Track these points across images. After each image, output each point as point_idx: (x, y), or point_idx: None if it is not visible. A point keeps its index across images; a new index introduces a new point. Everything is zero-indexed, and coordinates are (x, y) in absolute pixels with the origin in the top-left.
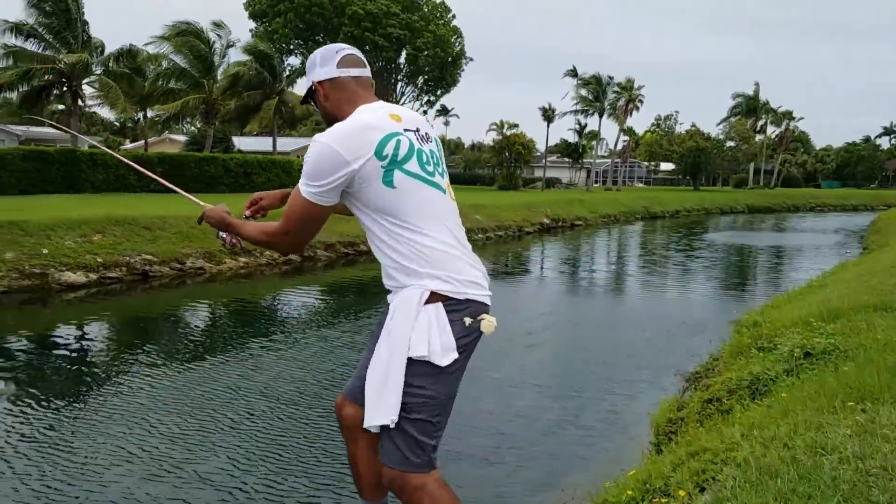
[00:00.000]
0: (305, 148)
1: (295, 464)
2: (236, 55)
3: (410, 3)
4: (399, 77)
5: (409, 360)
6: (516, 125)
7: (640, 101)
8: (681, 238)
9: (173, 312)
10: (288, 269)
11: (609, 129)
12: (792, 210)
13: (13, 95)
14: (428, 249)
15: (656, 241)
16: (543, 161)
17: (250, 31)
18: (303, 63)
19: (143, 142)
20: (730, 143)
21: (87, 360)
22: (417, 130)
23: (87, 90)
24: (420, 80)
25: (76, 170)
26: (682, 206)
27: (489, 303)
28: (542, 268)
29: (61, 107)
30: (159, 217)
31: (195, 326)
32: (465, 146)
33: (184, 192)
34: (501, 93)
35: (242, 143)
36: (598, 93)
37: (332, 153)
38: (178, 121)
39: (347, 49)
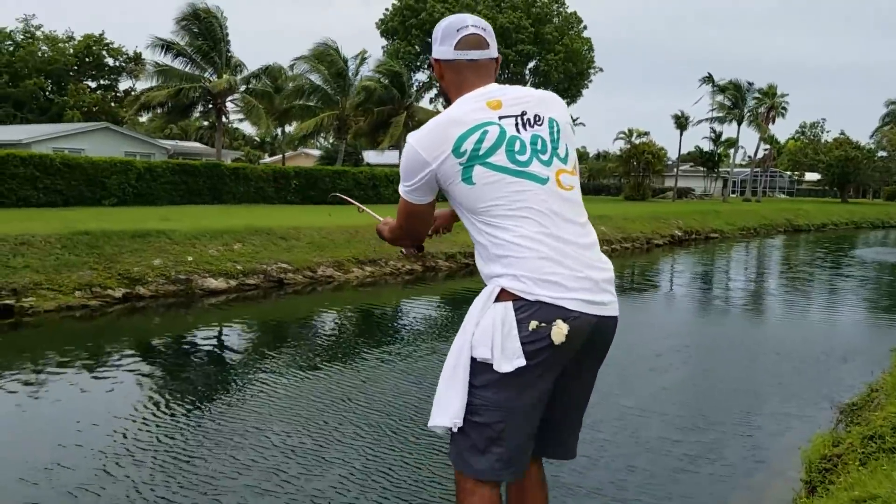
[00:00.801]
0: None
1: (407, 485)
2: (367, 72)
3: (543, 15)
4: None
5: (473, 360)
6: (646, 133)
7: (784, 109)
8: (828, 254)
9: (302, 319)
10: (410, 278)
11: (748, 138)
12: None
13: (161, 111)
14: (507, 244)
15: (800, 256)
16: (675, 170)
17: (382, 48)
18: (429, 78)
19: (280, 156)
20: (882, 153)
21: (218, 365)
22: (522, 115)
23: (229, 107)
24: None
25: (220, 182)
26: (829, 220)
27: (577, 309)
28: (671, 284)
29: (206, 123)
30: (294, 227)
31: (320, 334)
32: (591, 155)
33: (365, 208)
34: (631, 100)
35: (370, 156)
36: (736, 99)
37: (413, 153)
38: (313, 136)
39: (472, 26)
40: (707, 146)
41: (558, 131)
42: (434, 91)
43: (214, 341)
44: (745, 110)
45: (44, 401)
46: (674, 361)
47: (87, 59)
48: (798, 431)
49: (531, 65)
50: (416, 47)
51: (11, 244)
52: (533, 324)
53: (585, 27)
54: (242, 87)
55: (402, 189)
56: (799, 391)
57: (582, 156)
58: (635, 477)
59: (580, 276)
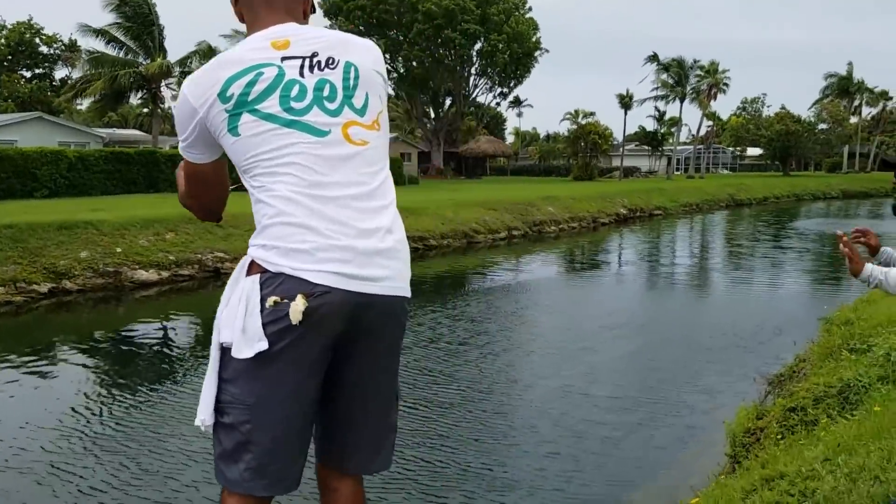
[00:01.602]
0: None
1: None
2: None
3: None
4: (471, 70)
5: (222, 346)
6: (592, 114)
7: (726, 85)
8: (768, 227)
9: None
10: None
11: (691, 115)
12: (890, 195)
13: (92, 99)
14: (264, 206)
15: (741, 231)
16: (621, 150)
17: (325, 28)
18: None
19: None
20: (822, 126)
21: (150, 358)
22: (312, 57)
23: (167, 92)
24: (493, 72)
25: (156, 170)
26: (771, 193)
27: (325, 282)
28: (615, 261)
29: (146, 109)
30: (232, 215)
31: None
32: (540, 137)
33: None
34: (577, 81)
35: None
36: (679, 77)
37: (182, 100)
38: None
39: None
40: (651, 125)
41: (356, 77)
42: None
43: (147, 335)
44: (688, 88)
45: None
46: (607, 340)
47: (20, 49)
48: (729, 406)
49: (477, 46)
50: (360, 27)
51: None
52: (271, 300)
53: (531, 8)
54: (178, 70)
55: (179, 146)
56: (732, 365)
57: (533, 137)
58: (557, 464)
59: (338, 245)
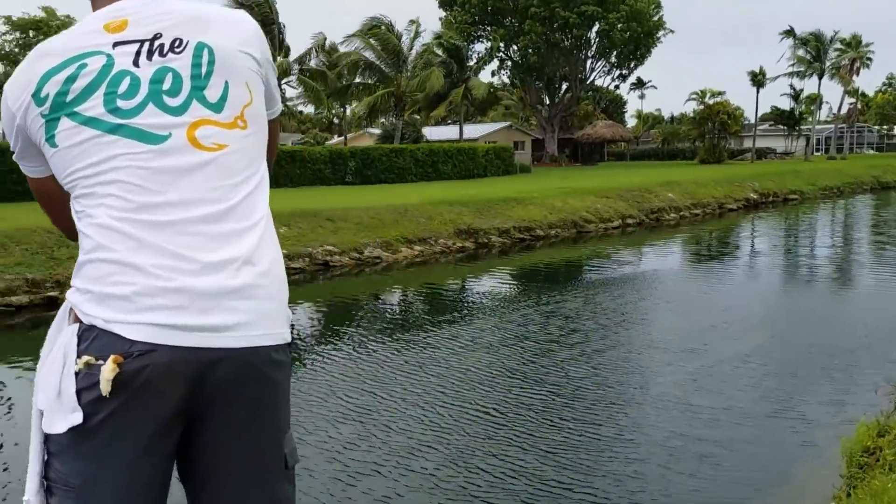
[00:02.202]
0: (492, 134)
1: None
2: (423, 44)
3: None
4: (589, 53)
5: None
6: (721, 93)
7: (869, 59)
8: None
9: (353, 300)
10: (461, 256)
11: (831, 92)
12: None
13: None
14: (83, 239)
15: (887, 216)
16: (753, 131)
17: (440, 19)
18: (489, 49)
19: (343, 137)
20: None
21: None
22: (154, 39)
23: (288, 90)
24: (612, 54)
25: (276, 166)
26: None
27: (147, 339)
28: (739, 251)
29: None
30: (342, 209)
31: (373, 314)
32: (664, 119)
33: None
34: (704, 60)
35: (433, 132)
36: (818, 51)
37: (3, 104)
38: (375, 115)
39: None
40: (786, 104)
41: (211, 62)
42: (496, 62)
43: None
44: (827, 63)
45: None
46: (717, 341)
47: None
48: (852, 416)
49: (596, 28)
50: (475, 16)
51: (57, 235)
52: (82, 361)
53: None
54: (296, 69)
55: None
56: (862, 373)
57: (656, 119)
58: (644, 485)
59: (169, 287)
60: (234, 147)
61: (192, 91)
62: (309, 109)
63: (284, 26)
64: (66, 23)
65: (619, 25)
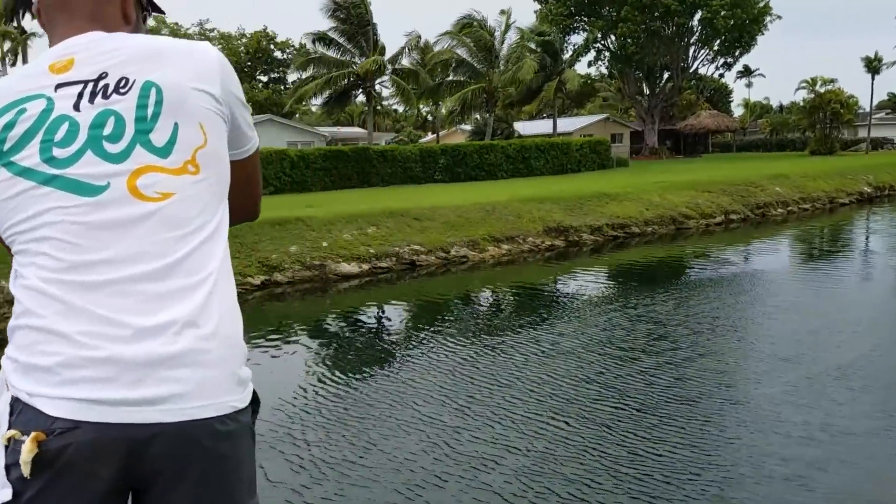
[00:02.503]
0: (588, 127)
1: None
2: (514, 39)
3: None
4: (692, 41)
5: None
6: (833, 80)
7: None
8: None
9: (434, 301)
10: (551, 255)
11: None
12: None
13: (319, 101)
14: (16, 302)
15: None
16: (868, 120)
17: (534, 12)
18: (586, 41)
19: (435, 134)
20: None
21: (360, 341)
22: (99, 80)
23: (384, 89)
24: (716, 42)
25: (368, 165)
26: None
27: (68, 415)
28: (851, 249)
29: (367, 107)
30: (430, 208)
31: (452, 315)
32: (773, 108)
33: None
34: (815, 46)
35: (525, 127)
36: None
37: None
38: (467, 111)
39: None
40: None
41: (159, 103)
42: (592, 53)
43: (351, 322)
44: None
45: None
46: (825, 345)
47: (257, 56)
48: None
49: (698, 16)
50: (571, 7)
51: None
52: (6, 435)
53: None
54: (390, 68)
55: None
56: None
57: (764, 108)
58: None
59: (95, 358)
60: (183, 195)
61: (135, 135)
62: (403, 108)
63: (377, 25)
64: (175, 30)
65: (722, 13)
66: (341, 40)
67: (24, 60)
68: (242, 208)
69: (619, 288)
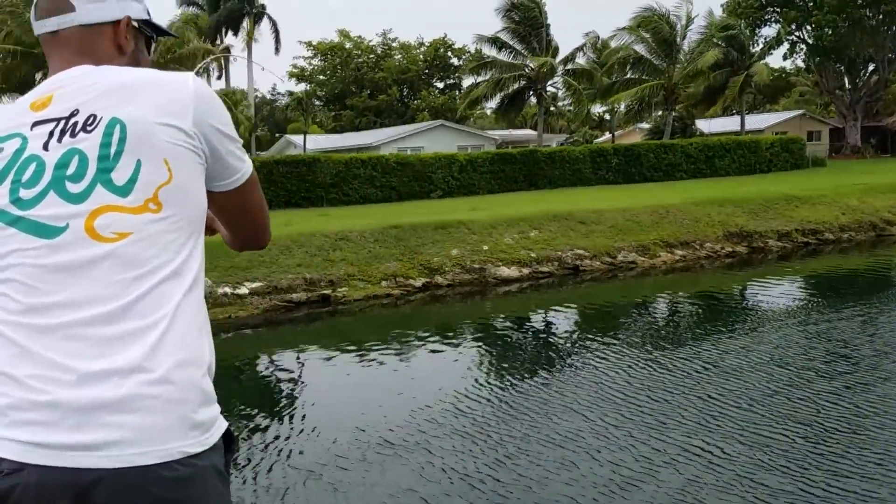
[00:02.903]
0: (781, 124)
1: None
2: (697, 33)
3: None
4: None
5: None
6: None
7: None
8: None
9: (591, 308)
10: (731, 261)
11: None
12: None
13: (492, 104)
14: None
15: None
16: None
17: (721, 6)
18: (778, 33)
19: (610, 134)
20: None
21: (521, 346)
22: (70, 117)
23: (557, 90)
24: None
25: (536, 168)
26: None
27: (11, 456)
28: None
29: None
30: (595, 211)
31: (608, 324)
32: None
33: None
34: None
35: (710, 125)
36: None
37: None
38: (645, 110)
39: None
40: None
41: (122, 140)
42: (786, 46)
43: (511, 327)
44: None
45: (368, 376)
46: None
47: (435, 63)
48: None
49: None
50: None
51: (332, 240)
52: None
53: None
54: (561, 69)
55: None
56: None
57: None
58: None
59: (39, 402)
60: (141, 234)
61: (96, 174)
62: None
63: (551, 26)
64: (358, 43)
65: None
66: (513, 42)
67: (227, 78)
68: (243, 237)
69: (803, 300)
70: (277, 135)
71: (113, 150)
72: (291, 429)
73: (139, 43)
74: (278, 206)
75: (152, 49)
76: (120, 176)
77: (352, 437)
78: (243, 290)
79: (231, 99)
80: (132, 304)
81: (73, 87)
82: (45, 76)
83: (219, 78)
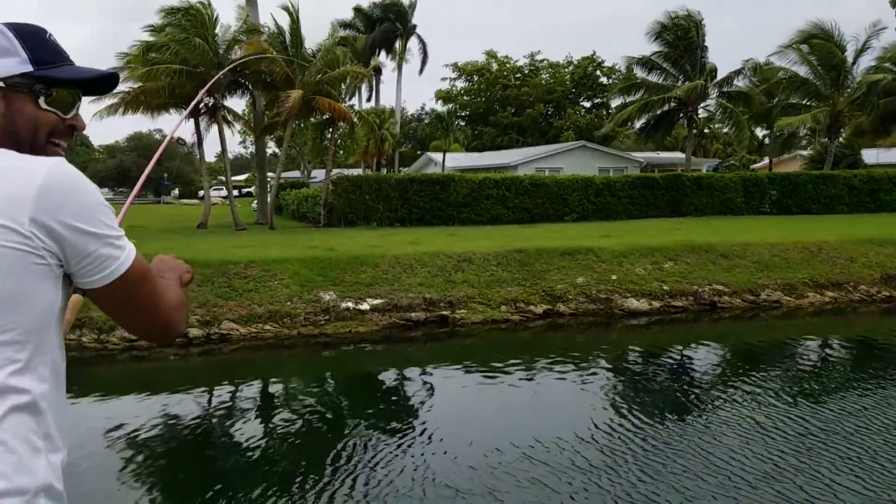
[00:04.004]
0: None
1: None
2: (870, 60)
3: None
4: None
5: None
6: None
7: None
8: None
9: (737, 347)
10: (889, 307)
11: None
12: None
13: (638, 125)
14: None
15: None
16: None
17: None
18: None
19: (768, 160)
20: None
21: (633, 390)
22: None
23: (711, 112)
24: None
25: (680, 194)
26: None
27: None
28: None
29: (695, 132)
30: (740, 244)
31: (756, 365)
32: None
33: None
34: None
35: (880, 155)
36: None
37: None
38: (807, 137)
39: None
40: None
41: None
42: None
43: (628, 365)
44: None
45: (491, 399)
46: None
47: (583, 82)
48: None
49: None
50: None
51: (455, 261)
52: None
53: None
54: (715, 92)
55: None
56: None
57: None
58: None
59: None
60: None
61: None
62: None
63: (707, 49)
64: (503, 62)
65: None
66: (664, 64)
67: (377, 97)
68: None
69: None
70: (419, 152)
71: None
72: (419, 440)
73: (12, 103)
74: (411, 224)
75: (72, 104)
76: None
77: (479, 456)
78: (365, 306)
79: (380, 117)
80: None
81: None
82: (207, 93)
83: (368, 99)
